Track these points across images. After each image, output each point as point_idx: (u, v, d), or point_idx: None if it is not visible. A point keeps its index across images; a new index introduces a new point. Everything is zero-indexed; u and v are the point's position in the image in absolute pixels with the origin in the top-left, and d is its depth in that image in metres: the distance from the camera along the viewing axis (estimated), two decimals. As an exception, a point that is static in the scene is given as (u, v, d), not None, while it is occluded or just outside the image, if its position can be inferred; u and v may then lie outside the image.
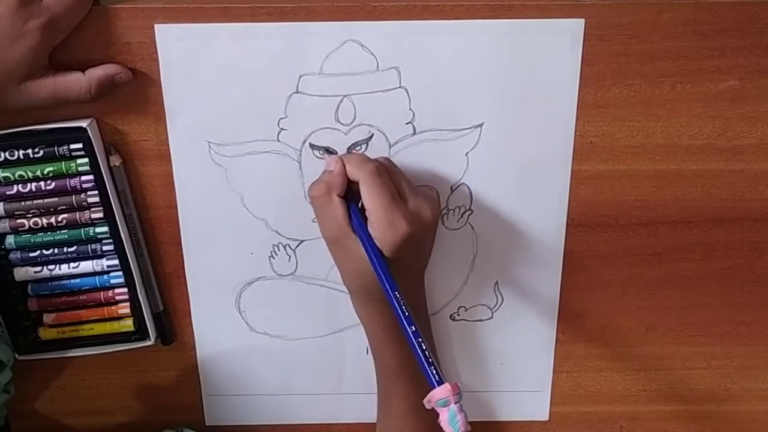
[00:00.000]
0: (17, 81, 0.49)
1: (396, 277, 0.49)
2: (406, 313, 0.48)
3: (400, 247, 0.49)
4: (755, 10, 0.51)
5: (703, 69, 0.52)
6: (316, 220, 0.53)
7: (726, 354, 0.62)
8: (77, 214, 0.54)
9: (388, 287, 0.49)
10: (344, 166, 0.51)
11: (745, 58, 0.52)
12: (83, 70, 0.50)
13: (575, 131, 0.54)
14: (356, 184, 0.51)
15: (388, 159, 0.54)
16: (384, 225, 0.49)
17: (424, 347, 0.48)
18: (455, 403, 0.46)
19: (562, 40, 0.51)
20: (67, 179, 0.53)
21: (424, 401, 0.47)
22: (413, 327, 0.48)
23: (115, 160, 0.53)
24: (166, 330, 0.59)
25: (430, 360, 0.48)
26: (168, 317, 0.59)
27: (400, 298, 0.49)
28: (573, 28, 0.51)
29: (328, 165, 0.52)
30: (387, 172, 0.51)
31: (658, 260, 0.59)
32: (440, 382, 0.47)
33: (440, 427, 0.46)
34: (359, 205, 0.51)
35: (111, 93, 0.51)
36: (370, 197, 0.50)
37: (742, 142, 0.55)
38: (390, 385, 0.56)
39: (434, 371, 0.47)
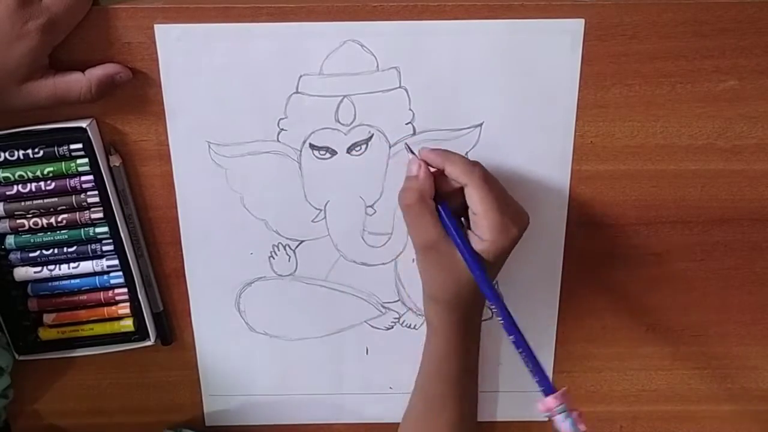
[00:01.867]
0: (17, 82, 0.49)
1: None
2: (514, 321, 0.49)
3: (508, 253, 0.50)
4: (755, 10, 0.51)
5: (703, 69, 0.52)
6: (408, 229, 0.52)
7: (726, 354, 0.62)
8: (77, 215, 0.54)
9: (493, 295, 0.49)
10: (428, 169, 0.50)
11: (745, 58, 0.52)
12: (83, 70, 0.50)
13: (575, 131, 0.54)
14: (447, 184, 0.50)
15: (480, 164, 0.52)
16: (497, 231, 0.49)
17: (534, 354, 0.48)
18: (571, 409, 0.47)
19: (562, 40, 0.51)
20: (67, 179, 0.53)
21: (540, 406, 0.48)
22: (520, 334, 0.49)
23: (115, 161, 0.53)
24: (166, 330, 0.59)
25: (543, 366, 0.49)
26: (168, 317, 0.59)
27: (505, 306, 0.49)
28: (573, 28, 0.51)
29: (411, 170, 0.51)
30: (490, 174, 0.51)
31: (658, 260, 0.59)
32: (553, 389, 0.48)
33: None
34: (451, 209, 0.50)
35: (111, 93, 0.51)
36: (481, 201, 0.49)
37: (742, 142, 0.55)
38: (448, 392, 0.55)
39: (547, 376, 0.48)
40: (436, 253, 0.50)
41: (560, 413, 0.47)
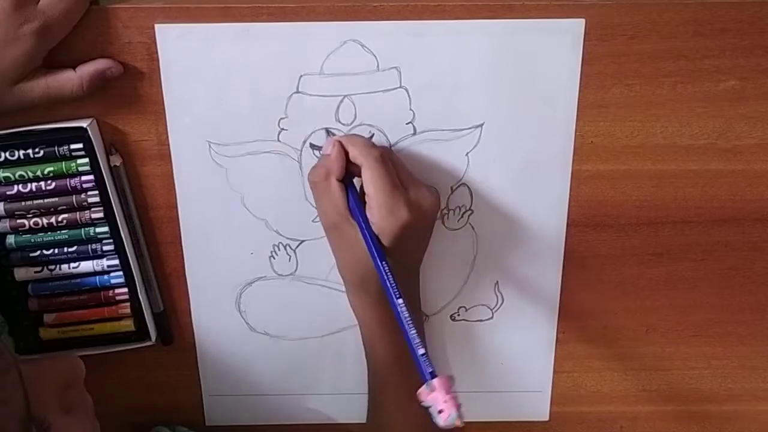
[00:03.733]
0: (10, 83, 0.49)
1: (392, 266, 0.49)
2: (400, 301, 0.48)
3: (399, 235, 0.49)
4: (755, 10, 0.51)
5: (703, 69, 0.52)
6: (316, 207, 0.53)
7: (726, 354, 0.62)
8: (77, 214, 0.54)
9: (384, 273, 0.49)
10: (342, 149, 0.51)
11: (745, 58, 0.52)
12: (75, 67, 0.50)
13: (575, 131, 0.54)
14: (356, 168, 0.51)
15: (388, 148, 0.54)
16: (384, 211, 0.49)
17: (417, 339, 0.47)
18: (450, 395, 0.45)
19: (562, 40, 0.51)
20: (68, 179, 0.53)
21: (419, 394, 0.47)
22: (407, 315, 0.48)
23: (116, 160, 0.53)
24: (166, 330, 0.59)
25: (424, 352, 0.47)
26: (168, 317, 0.59)
27: (395, 285, 0.49)
28: (573, 28, 0.51)
29: (326, 148, 0.52)
30: (388, 157, 0.51)
31: (658, 260, 0.59)
32: (433, 375, 0.46)
33: (433, 422, 0.46)
34: (358, 191, 0.51)
35: (103, 87, 0.51)
36: (372, 183, 0.49)
37: (742, 142, 0.55)
38: (382, 379, 0.55)
39: (427, 363, 0.47)
40: (339, 233, 0.51)
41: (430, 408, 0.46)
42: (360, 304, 0.54)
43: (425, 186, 0.53)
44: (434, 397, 0.46)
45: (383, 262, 0.49)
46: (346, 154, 0.51)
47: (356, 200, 0.51)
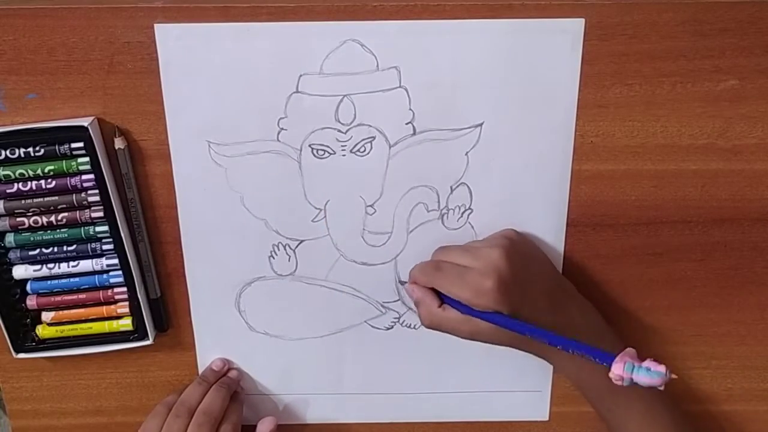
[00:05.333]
0: None
1: (527, 314, 0.52)
2: (546, 335, 0.50)
3: (502, 299, 0.51)
4: (755, 10, 0.51)
5: (703, 69, 0.52)
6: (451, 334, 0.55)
7: (726, 354, 0.62)
8: (77, 213, 0.54)
9: (521, 329, 0.51)
10: (424, 288, 0.54)
11: (745, 58, 0.52)
12: None
13: (575, 131, 0.54)
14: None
15: (439, 248, 0.56)
16: (472, 297, 0.51)
17: (582, 347, 0.48)
18: (639, 360, 0.45)
19: (562, 40, 0.51)
20: (68, 178, 0.53)
21: (614, 380, 0.46)
22: (555, 338, 0.49)
23: (120, 143, 0.53)
24: (161, 317, 0.59)
25: (583, 345, 0.48)
26: (166, 312, 0.60)
27: (533, 328, 0.50)
28: (573, 28, 0.51)
29: (411, 295, 0.56)
30: (442, 257, 0.55)
31: (658, 260, 0.59)
32: (611, 356, 0.46)
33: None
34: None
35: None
36: (445, 289, 0.53)
37: (742, 142, 0.55)
38: (611, 398, 0.56)
39: (598, 351, 0.46)
40: (478, 333, 0.54)
41: (632, 371, 0.45)
42: (538, 350, 0.55)
43: (486, 244, 0.54)
44: (629, 365, 0.45)
45: (516, 322, 0.51)
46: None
47: (458, 305, 0.53)
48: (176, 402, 0.58)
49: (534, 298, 0.53)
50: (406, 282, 0.58)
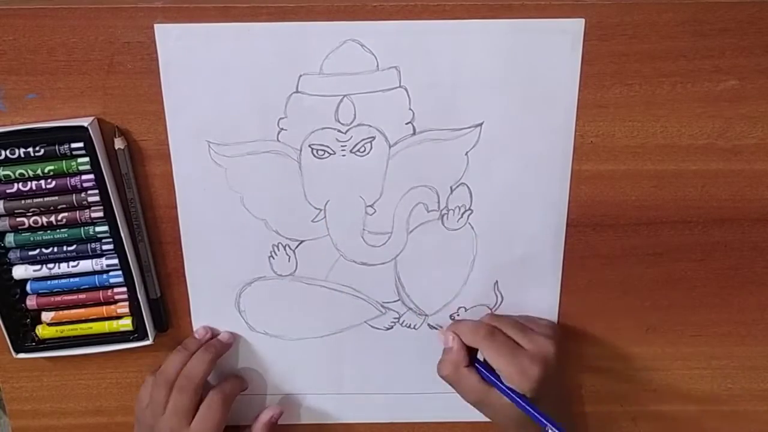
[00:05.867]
0: None
1: (542, 404, 0.53)
2: (551, 423, 0.52)
3: (539, 388, 0.53)
4: (755, 10, 0.51)
5: (703, 69, 0.52)
6: (456, 391, 0.57)
7: (726, 354, 0.62)
8: (77, 213, 0.54)
9: (542, 420, 0.53)
10: (460, 340, 0.56)
11: (745, 58, 0.52)
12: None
13: (575, 131, 0.54)
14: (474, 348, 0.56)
15: (492, 315, 0.59)
16: (516, 377, 0.53)
17: None
18: None
19: (562, 40, 0.51)
20: (68, 178, 0.53)
21: None
22: (558, 430, 0.52)
23: (120, 143, 0.53)
24: (161, 317, 0.59)
25: None
26: (165, 306, 0.59)
27: (554, 422, 0.52)
28: (573, 28, 0.51)
29: (446, 343, 0.57)
30: (497, 326, 0.56)
31: (658, 260, 0.59)
32: None
33: None
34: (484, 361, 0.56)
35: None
36: (491, 358, 0.54)
37: (742, 142, 0.55)
38: None
39: None
40: (486, 406, 0.56)
41: None
42: None
43: (540, 331, 0.57)
44: None
45: (537, 411, 0.53)
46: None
47: (489, 374, 0.55)
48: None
49: (550, 391, 0.55)
50: (438, 327, 0.60)
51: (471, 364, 0.56)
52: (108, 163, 0.53)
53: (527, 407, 0.53)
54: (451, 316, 0.60)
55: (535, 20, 0.51)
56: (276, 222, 0.57)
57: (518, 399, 0.53)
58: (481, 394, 0.55)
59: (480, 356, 0.56)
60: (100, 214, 0.54)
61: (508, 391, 0.54)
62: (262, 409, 0.63)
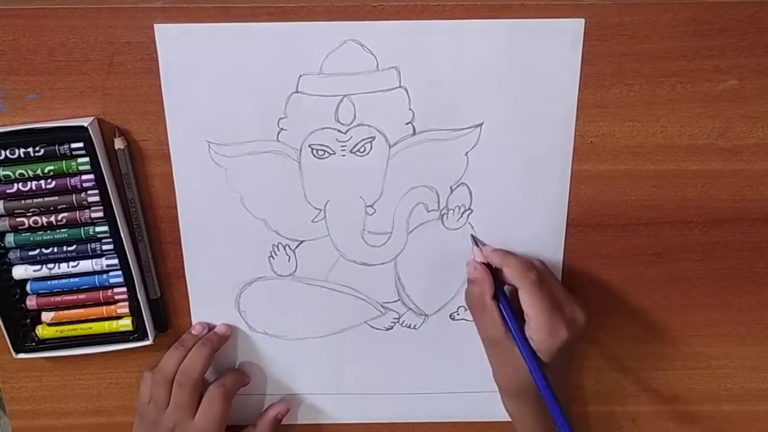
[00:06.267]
0: None
1: (550, 375, 0.52)
2: (560, 409, 0.50)
3: (557, 353, 0.52)
4: (755, 10, 0.51)
5: (703, 69, 0.52)
6: (474, 323, 0.56)
7: (726, 354, 0.62)
8: (77, 213, 0.54)
9: (543, 386, 0.51)
10: (486, 271, 0.54)
11: (745, 58, 0.52)
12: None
13: (575, 131, 0.54)
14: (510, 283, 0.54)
15: (542, 263, 0.57)
16: (545, 333, 0.51)
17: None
18: None
19: (562, 40, 0.51)
20: (68, 178, 0.53)
21: None
22: (565, 421, 0.50)
23: (120, 143, 0.53)
24: (162, 317, 0.59)
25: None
26: (165, 306, 0.60)
27: (554, 395, 0.51)
28: (573, 28, 0.51)
29: (468, 273, 0.56)
30: (544, 277, 0.53)
31: (658, 260, 0.59)
32: None
33: None
34: (512, 306, 0.54)
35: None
36: (531, 305, 0.52)
37: (742, 142, 0.55)
38: None
39: None
40: (498, 348, 0.54)
41: None
42: (518, 410, 0.56)
43: (577, 301, 0.54)
44: None
45: (543, 380, 0.51)
46: (499, 271, 0.54)
47: (512, 317, 0.53)
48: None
49: (560, 362, 0.53)
50: (482, 243, 0.56)
51: (497, 297, 0.54)
52: (108, 163, 0.53)
53: (533, 367, 0.52)
54: (451, 315, 0.60)
55: (535, 20, 0.51)
56: (276, 222, 0.57)
57: (529, 355, 0.52)
58: (497, 334, 0.53)
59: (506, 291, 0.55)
60: (100, 214, 0.54)
61: (523, 344, 0.52)
62: (269, 406, 0.63)
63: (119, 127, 0.53)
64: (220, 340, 0.59)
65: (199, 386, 0.57)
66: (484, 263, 0.55)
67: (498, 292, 0.54)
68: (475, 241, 0.57)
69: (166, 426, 0.56)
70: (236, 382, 0.60)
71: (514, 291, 0.53)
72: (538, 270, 0.53)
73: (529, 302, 0.52)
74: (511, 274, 0.53)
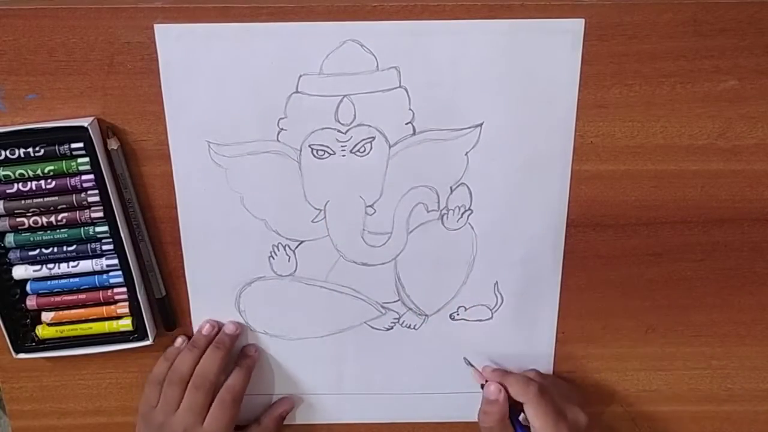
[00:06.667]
0: None
1: None
2: None
3: None
4: (755, 10, 0.51)
5: (703, 69, 0.52)
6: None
7: (726, 354, 0.62)
8: (77, 213, 0.54)
9: None
10: (507, 394, 0.56)
11: (745, 58, 0.52)
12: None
13: (575, 131, 0.54)
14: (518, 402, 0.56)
15: (538, 373, 0.60)
16: None
17: None
18: None
19: (562, 40, 0.51)
20: (68, 178, 0.53)
21: None
22: None
23: (113, 144, 0.53)
24: (169, 315, 0.59)
25: None
26: (171, 303, 0.59)
27: None
28: (573, 28, 0.51)
29: (491, 394, 0.57)
30: (545, 388, 0.55)
31: (658, 260, 0.59)
32: None
33: None
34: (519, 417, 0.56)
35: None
36: (537, 416, 0.54)
37: (742, 142, 0.55)
38: None
39: None
40: None
41: None
42: None
43: (576, 402, 0.57)
44: None
45: None
46: (506, 388, 0.56)
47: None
48: (168, 371, 0.58)
49: None
50: (473, 366, 0.60)
51: (509, 417, 0.56)
52: (108, 164, 0.53)
53: None
54: (450, 315, 0.60)
55: (535, 20, 0.51)
56: (276, 222, 0.57)
57: None
58: None
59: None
60: (100, 214, 0.54)
61: None
62: (274, 402, 0.63)
63: (115, 127, 0.53)
64: (231, 339, 0.59)
65: (213, 389, 0.57)
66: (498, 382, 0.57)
67: (513, 411, 0.56)
68: (468, 362, 0.60)
69: (173, 430, 0.56)
70: (244, 385, 0.59)
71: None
72: (537, 382, 0.56)
73: (534, 415, 0.54)
74: (513, 391, 0.56)
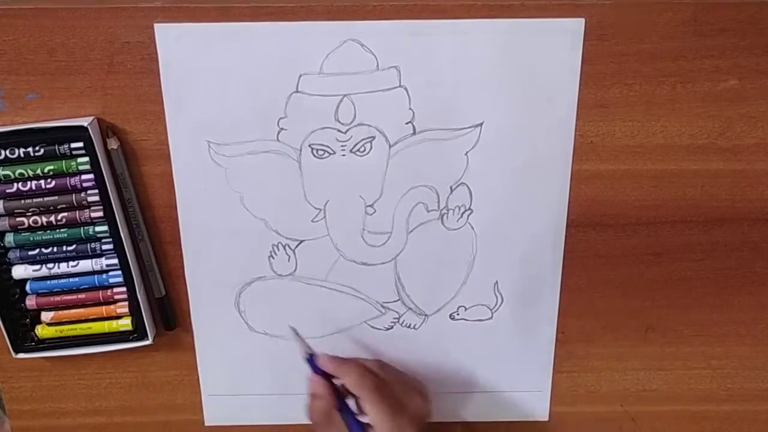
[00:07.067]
0: None
1: None
2: None
3: None
4: (755, 10, 0.51)
5: (703, 69, 0.52)
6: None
7: (726, 354, 0.62)
8: (77, 213, 0.54)
9: None
10: (330, 387, 0.54)
11: (745, 58, 0.52)
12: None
13: (575, 131, 0.54)
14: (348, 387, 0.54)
15: (379, 362, 0.57)
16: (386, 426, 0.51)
17: None
18: None
19: (562, 40, 0.51)
20: (68, 178, 0.53)
21: None
22: None
23: (113, 143, 0.53)
24: (168, 316, 0.59)
25: None
26: (171, 303, 0.59)
27: None
28: (573, 28, 0.51)
29: (314, 388, 0.54)
30: (383, 378, 0.54)
31: (658, 260, 0.59)
32: None
33: None
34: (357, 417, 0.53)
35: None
36: (374, 412, 0.52)
37: (742, 142, 0.55)
38: None
39: None
40: None
41: None
42: None
43: (416, 389, 0.55)
44: None
45: None
46: (335, 384, 0.54)
47: (359, 427, 0.53)
48: None
49: None
50: (310, 354, 0.56)
51: (341, 409, 0.54)
52: (108, 163, 0.53)
53: None
54: (450, 315, 0.60)
55: (535, 20, 0.51)
56: (276, 222, 0.57)
57: None
58: None
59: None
60: (100, 213, 0.54)
61: None
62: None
63: (115, 126, 0.53)
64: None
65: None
66: (325, 373, 0.55)
67: (342, 404, 0.54)
68: (295, 332, 0.58)
69: None
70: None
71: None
72: (374, 375, 0.54)
73: (371, 411, 0.52)
74: (349, 384, 0.53)
